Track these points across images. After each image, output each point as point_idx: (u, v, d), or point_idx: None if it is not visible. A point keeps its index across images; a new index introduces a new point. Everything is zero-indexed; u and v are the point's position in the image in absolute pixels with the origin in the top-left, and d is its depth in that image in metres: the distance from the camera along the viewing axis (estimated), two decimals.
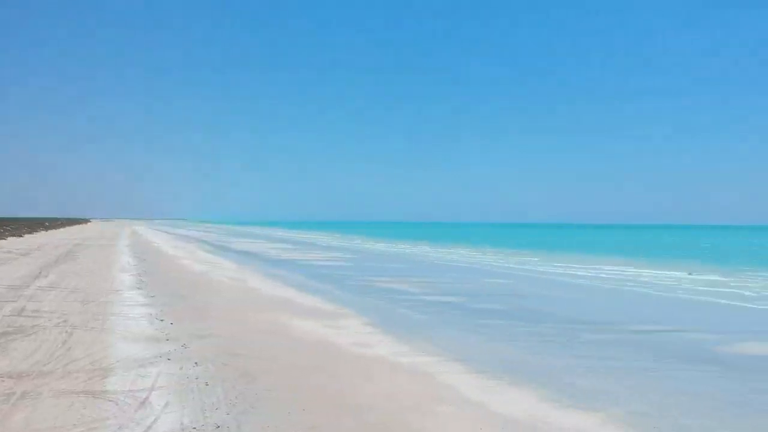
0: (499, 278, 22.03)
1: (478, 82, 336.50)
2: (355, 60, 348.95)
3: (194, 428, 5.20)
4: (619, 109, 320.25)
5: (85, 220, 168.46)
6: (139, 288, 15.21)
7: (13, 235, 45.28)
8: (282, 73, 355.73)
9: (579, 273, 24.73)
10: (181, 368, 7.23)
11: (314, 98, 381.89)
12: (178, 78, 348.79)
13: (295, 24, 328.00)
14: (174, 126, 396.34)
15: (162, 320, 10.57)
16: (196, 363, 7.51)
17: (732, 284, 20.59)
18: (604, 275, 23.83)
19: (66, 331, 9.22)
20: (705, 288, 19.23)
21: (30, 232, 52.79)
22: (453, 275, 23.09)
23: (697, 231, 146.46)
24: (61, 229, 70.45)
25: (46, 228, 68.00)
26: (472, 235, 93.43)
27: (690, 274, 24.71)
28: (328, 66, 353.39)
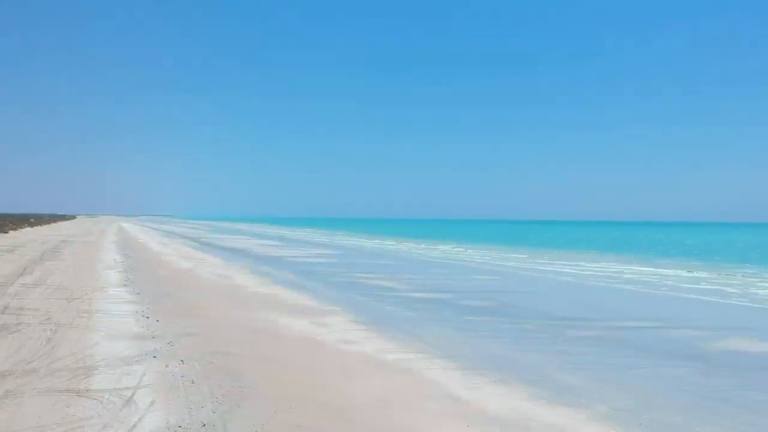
0: (487, 275, 22.12)
1: (478, 80, 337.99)
2: (351, 58, 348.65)
3: (180, 427, 5.18)
4: (616, 109, 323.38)
5: (72, 217, 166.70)
6: (125, 285, 15.10)
7: None
8: (273, 67, 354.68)
9: (566, 270, 24.90)
10: (167, 366, 7.20)
11: (306, 95, 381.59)
12: (169, 76, 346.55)
13: (288, 21, 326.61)
14: (163, 123, 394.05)
15: (148, 318, 10.51)
16: (182, 361, 7.48)
17: (715, 281, 20.84)
18: (590, 272, 24.01)
19: (50, 329, 9.13)
20: (689, 285, 19.44)
21: (15, 229, 52.14)
22: (441, 272, 23.15)
23: (685, 228, 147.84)
24: (47, 226, 69.70)
25: (32, 224, 67.18)
26: (465, 232, 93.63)
27: (674, 271, 24.96)
28: (322, 63, 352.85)
